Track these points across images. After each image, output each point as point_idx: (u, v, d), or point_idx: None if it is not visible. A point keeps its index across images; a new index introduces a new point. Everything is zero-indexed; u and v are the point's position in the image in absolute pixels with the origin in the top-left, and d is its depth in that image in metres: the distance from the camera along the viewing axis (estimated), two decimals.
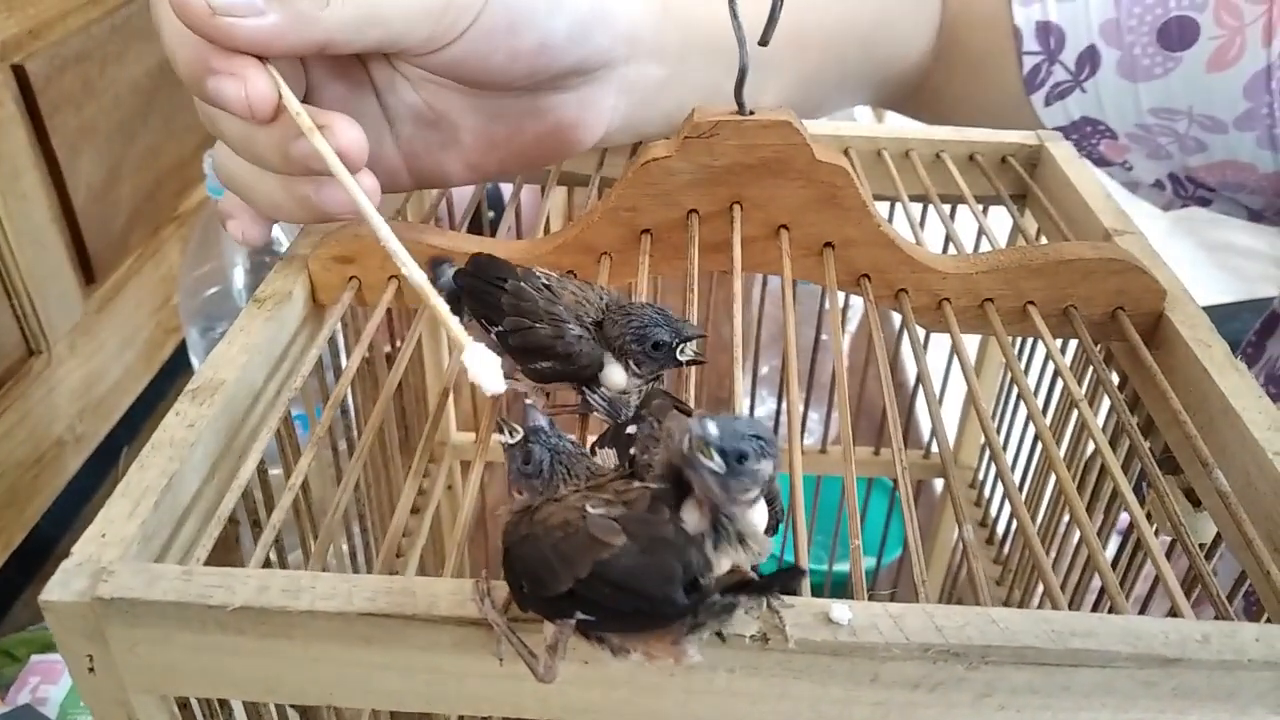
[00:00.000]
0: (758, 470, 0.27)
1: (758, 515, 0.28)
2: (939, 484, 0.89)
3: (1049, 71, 0.66)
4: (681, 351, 0.35)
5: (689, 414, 0.34)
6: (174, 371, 1.01)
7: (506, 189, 1.13)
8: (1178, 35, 0.62)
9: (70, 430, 0.86)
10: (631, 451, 0.32)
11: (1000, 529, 0.67)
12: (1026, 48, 0.66)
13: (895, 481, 0.82)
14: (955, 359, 0.58)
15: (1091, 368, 0.44)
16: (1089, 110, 0.67)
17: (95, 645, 0.29)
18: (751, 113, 0.40)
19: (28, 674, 0.73)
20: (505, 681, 0.29)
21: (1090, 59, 0.64)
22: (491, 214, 1.12)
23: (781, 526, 0.34)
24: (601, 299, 0.37)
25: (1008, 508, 0.65)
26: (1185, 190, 0.70)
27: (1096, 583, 0.52)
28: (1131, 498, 0.37)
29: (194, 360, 0.84)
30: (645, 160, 0.42)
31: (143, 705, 0.30)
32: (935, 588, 0.77)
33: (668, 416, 0.33)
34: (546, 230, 0.52)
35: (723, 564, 0.28)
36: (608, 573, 0.26)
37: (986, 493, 0.69)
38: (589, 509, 0.27)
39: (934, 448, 0.72)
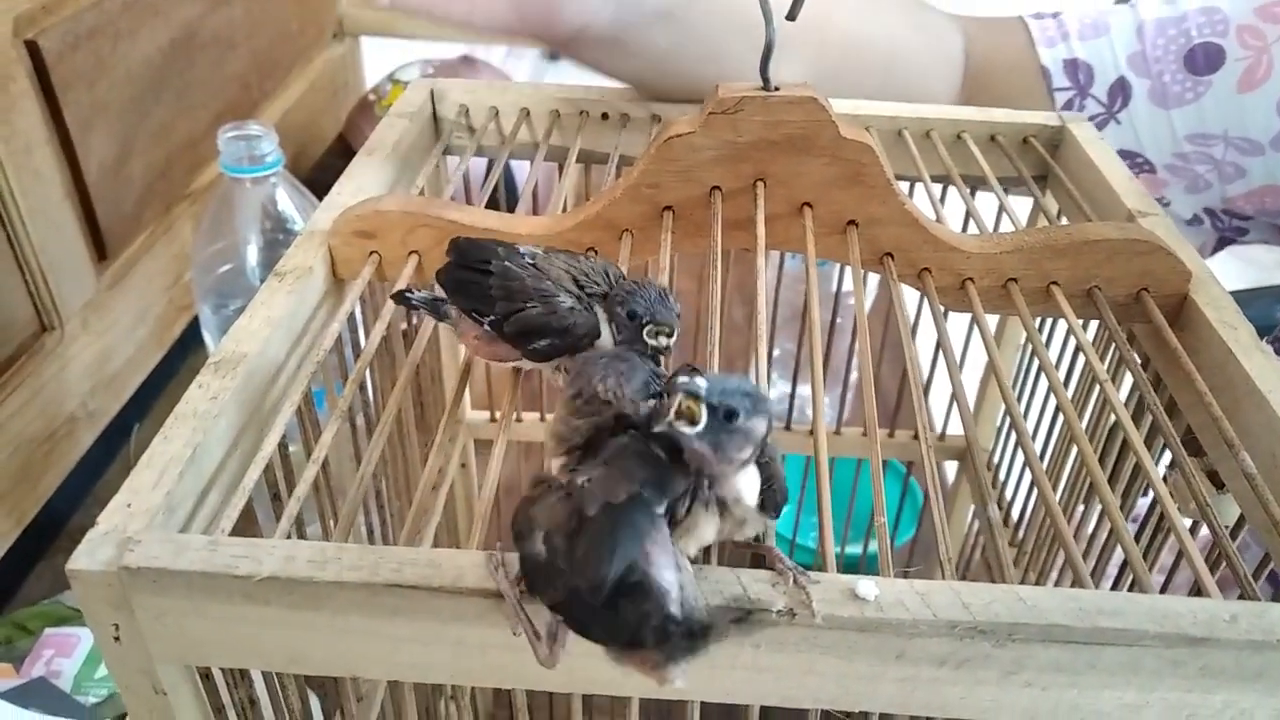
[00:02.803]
0: (750, 429, 0.27)
1: (745, 481, 0.28)
2: (950, 469, 0.89)
3: (1081, 105, 0.67)
4: (649, 333, 0.35)
5: None
6: (185, 349, 1.01)
7: (519, 170, 1.12)
8: (1204, 60, 0.62)
9: (83, 407, 0.86)
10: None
11: (1015, 512, 0.66)
12: (1056, 85, 0.67)
13: (909, 465, 0.82)
14: (970, 340, 0.58)
15: (1114, 349, 0.44)
16: (1125, 143, 0.67)
17: (121, 614, 0.29)
18: (776, 88, 0.40)
19: (41, 647, 0.73)
20: (529, 654, 0.29)
21: (1121, 90, 0.65)
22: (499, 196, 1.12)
23: (789, 509, 0.34)
24: (606, 271, 0.36)
25: (1023, 493, 0.65)
26: (1222, 223, 0.70)
27: (1111, 570, 0.52)
28: (1155, 472, 0.37)
29: (206, 337, 0.84)
30: (668, 136, 0.41)
31: (168, 675, 0.30)
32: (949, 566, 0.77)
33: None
34: (565, 210, 0.52)
35: (706, 533, 0.28)
36: (571, 610, 0.26)
37: (1001, 476, 0.68)
38: (538, 547, 0.26)
39: (951, 429, 0.71)
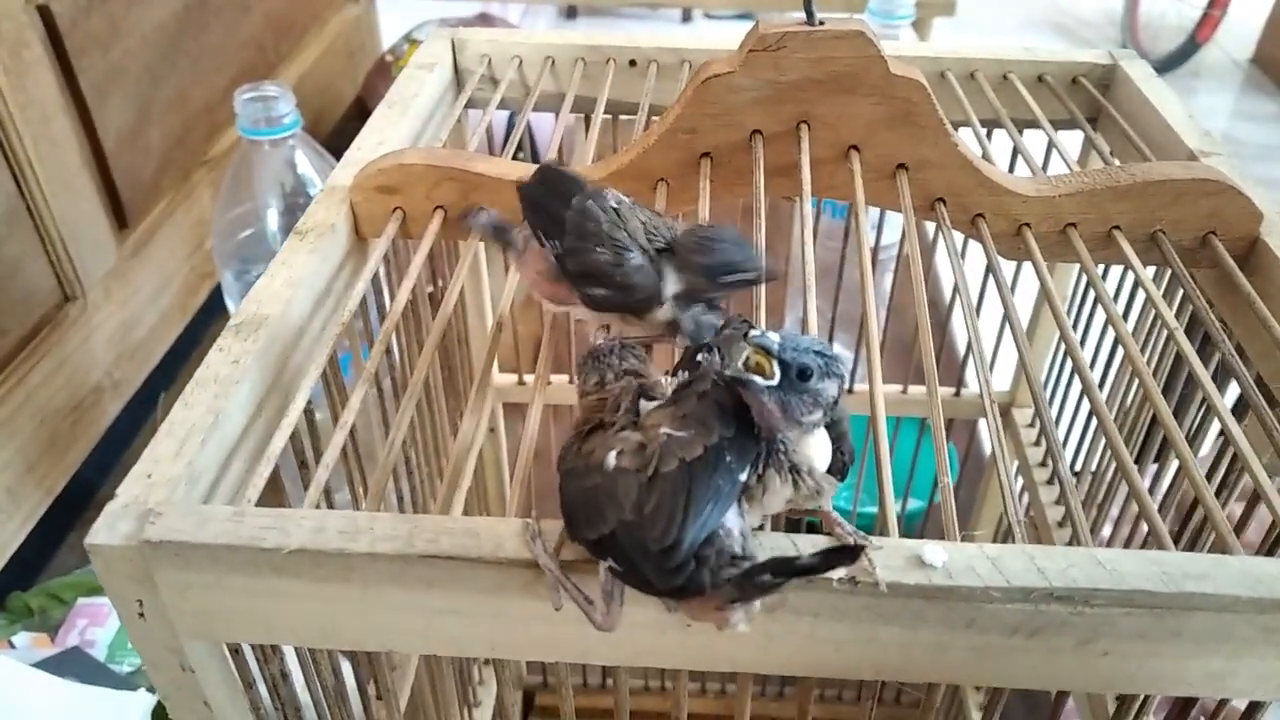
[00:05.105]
0: (820, 390, 0.25)
1: (816, 447, 0.26)
2: (983, 424, 0.86)
3: None
4: (732, 283, 0.33)
5: None
6: (209, 317, 1.00)
7: (541, 125, 1.10)
8: None
9: (108, 376, 0.85)
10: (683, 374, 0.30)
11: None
12: None
13: (950, 423, 0.80)
14: (985, 291, 0.55)
15: (1181, 293, 0.41)
16: None
17: (144, 590, 0.27)
18: (822, 23, 0.37)
19: (75, 616, 0.73)
20: (574, 626, 0.28)
21: None
22: (521, 154, 1.09)
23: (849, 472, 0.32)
24: (671, 226, 0.34)
25: (1067, 453, 0.62)
26: None
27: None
28: (1230, 419, 0.34)
29: (229, 304, 0.83)
30: (706, 77, 0.39)
31: (194, 651, 0.29)
32: (989, 530, 0.75)
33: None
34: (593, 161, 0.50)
35: (775, 502, 0.26)
36: (623, 537, 0.24)
37: (1058, 434, 0.66)
38: (609, 460, 0.25)
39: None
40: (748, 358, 0.24)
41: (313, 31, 1.24)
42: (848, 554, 0.24)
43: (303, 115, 0.76)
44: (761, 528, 0.28)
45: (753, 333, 0.24)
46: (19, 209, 0.74)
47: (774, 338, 0.24)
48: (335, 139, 1.20)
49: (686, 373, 0.28)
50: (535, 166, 0.43)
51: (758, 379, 0.24)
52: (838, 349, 0.85)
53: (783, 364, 0.24)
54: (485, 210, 0.39)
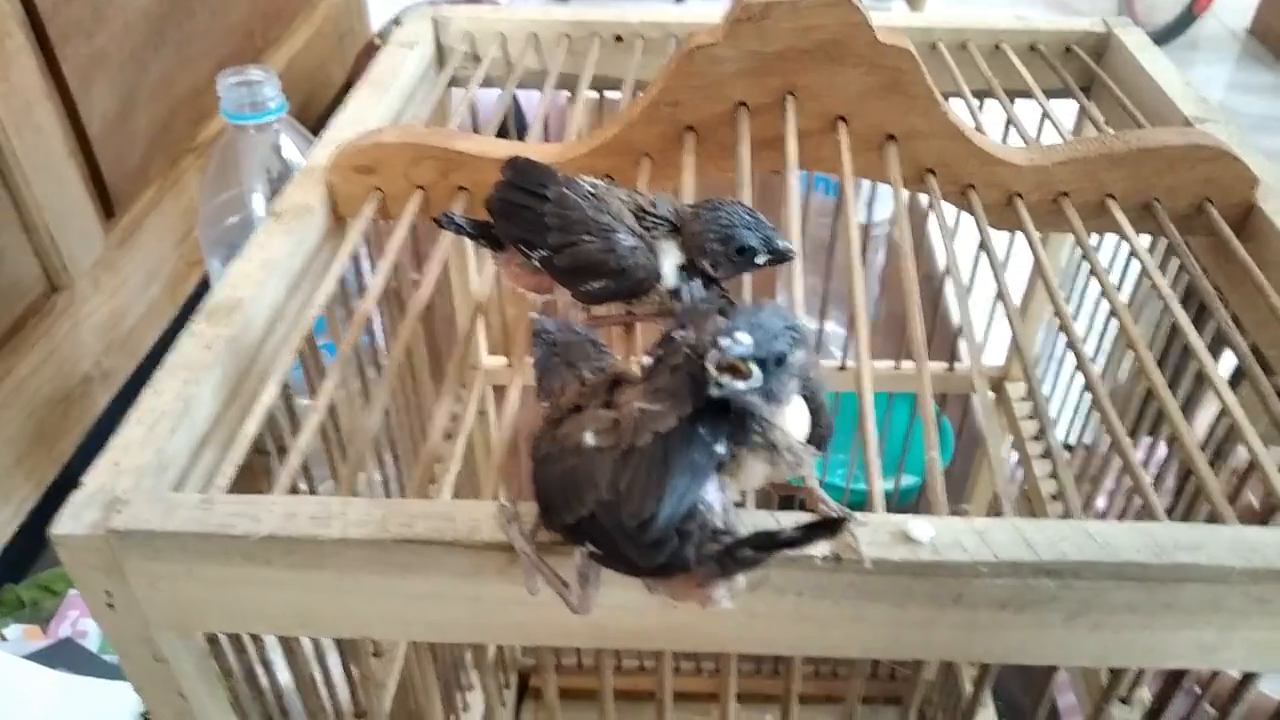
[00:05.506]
0: (792, 364, 0.24)
1: (792, 417, 0.26)
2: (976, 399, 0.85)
3: None
4: (769, 263, 0.32)
5: None
6: (198, 306, 0.99)
7: (529, 102, 1.09)
8: None
9: (97, 366, 0.84)
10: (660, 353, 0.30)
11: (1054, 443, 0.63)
12: None
13: (943, 398, 0.79)
14: (978, 264, 0.54)
15: (1177, 263, 0.40)
16: None
17: (113, 580, 0.27)
18: None
19: (66, 608, 0.73)
20: (553, 609, 0.27)
21: None
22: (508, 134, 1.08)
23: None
24: (670, 203, 0.33)
25: (1059, 430, 0.62)
26: None
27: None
28: (1225, 389, 0.33)
29: None
30: (689, 49, 0.38)
31: (168, 643, 0.28)
32: (982, 505, 0.74)
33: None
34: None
35: (752, 476, 0.26)
36: (602, 518, 0.24)
37: (1051, 410, 0.65)
38: (586, 438, 0.24)
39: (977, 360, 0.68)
40: (727, 366, 0.23)
41: (301, 15, 1.22)
42: (830, 527, 0.23)
43: (291, 100, 0.75)
44: (742, 503, 0.27)
45: (723, 341, 0.23)
46: (3, 199, 0.74)
47: (746, 341, 0.23)
48: (324, 123, 1.18)
49: (662, 350, 0.27)
50: (514, 144, 0.42)
51: (740, 385, 0.23)
52: (831, 326, 0.84)
53: (761, 363, 0.23)
54: (453, 214, 0.37)
